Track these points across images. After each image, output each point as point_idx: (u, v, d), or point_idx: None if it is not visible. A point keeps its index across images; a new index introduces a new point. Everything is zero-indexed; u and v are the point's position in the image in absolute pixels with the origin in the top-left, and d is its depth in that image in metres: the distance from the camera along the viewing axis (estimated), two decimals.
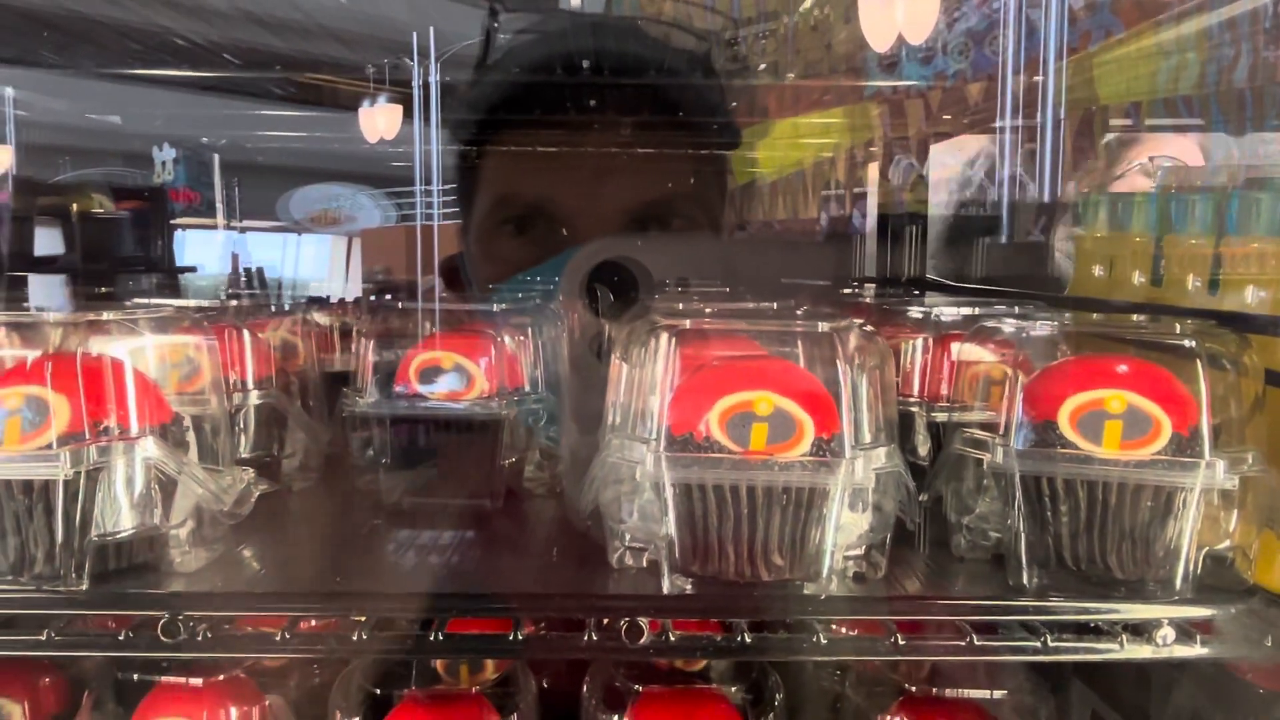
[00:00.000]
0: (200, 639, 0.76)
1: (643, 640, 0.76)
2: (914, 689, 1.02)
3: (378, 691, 0.98)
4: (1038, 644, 0.77)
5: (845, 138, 3.54)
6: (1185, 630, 0.77)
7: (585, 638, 0.78)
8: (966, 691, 1.00)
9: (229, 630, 0.79)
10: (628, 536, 0.85)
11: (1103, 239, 1.13)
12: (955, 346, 0.99)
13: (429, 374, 1.01)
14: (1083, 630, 0.78)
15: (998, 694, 0.99)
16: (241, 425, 1.05)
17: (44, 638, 0.77)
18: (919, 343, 1.03)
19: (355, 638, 0.77)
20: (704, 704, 0.98)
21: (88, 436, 0.80)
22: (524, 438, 1.04)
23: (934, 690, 1.01)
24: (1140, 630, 0.77)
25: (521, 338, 1.05)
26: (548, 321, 1.11)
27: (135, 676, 1.00)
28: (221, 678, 1.00)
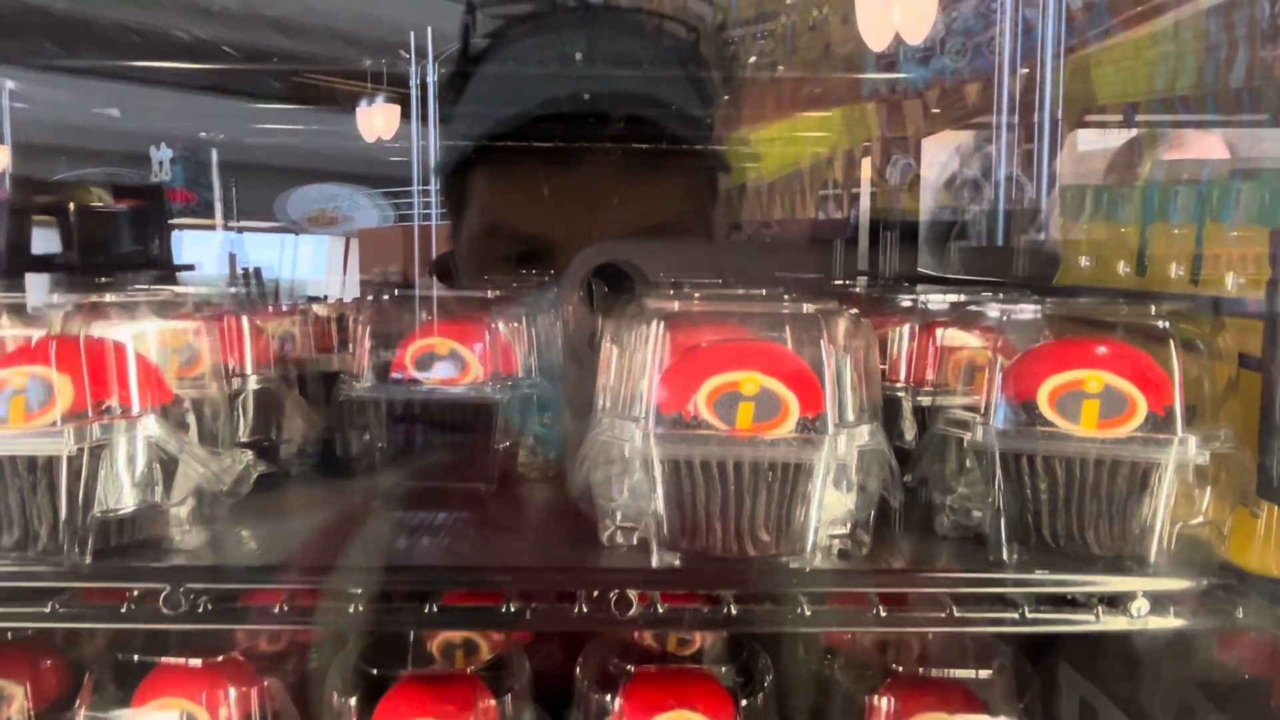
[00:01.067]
0: (201, 611, 0.78)
1: (631, 612, 0.78)
2: (901, 669, 1.04)
3: (374, 671, 1.00)
4: (1016, 615, 0.79)
5: (843, 138, 3.55)
6: (1159, 602, 0.79)
7: (576, 610, 0.80)
8: (953, 672, 1.02)
9: (229, 604, 0.81)
10: (618, 515, 0.87)
11: (1090, 230, 1.15)
12: (940, 332, 1.01)
13: (425, 360, 1.03)
14: (1060, 602, 0.80)
15: (984, 673, 1.01)
16: (240, 410, 1.07)
17: (48, 610, 0.79)
18: (905, 329, 1.05)
19: (352, 610, 0.79)
20: (695, 684, 1.00)
21: (90, 415, 0.82)
22: (518, 423, 1.06)
23: (921, 671, 1.03)
24: (1116, 602, 0.79)
25: (516, 325, 1.07)
26: (542, 310, 1.12)
27: (136, 658, 1.01)
28: (220, 659, 1.02)
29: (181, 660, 1.01)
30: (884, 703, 1.00)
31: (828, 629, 0.99)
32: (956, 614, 0.79)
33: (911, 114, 3.42)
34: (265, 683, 1.03)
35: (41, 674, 1.07)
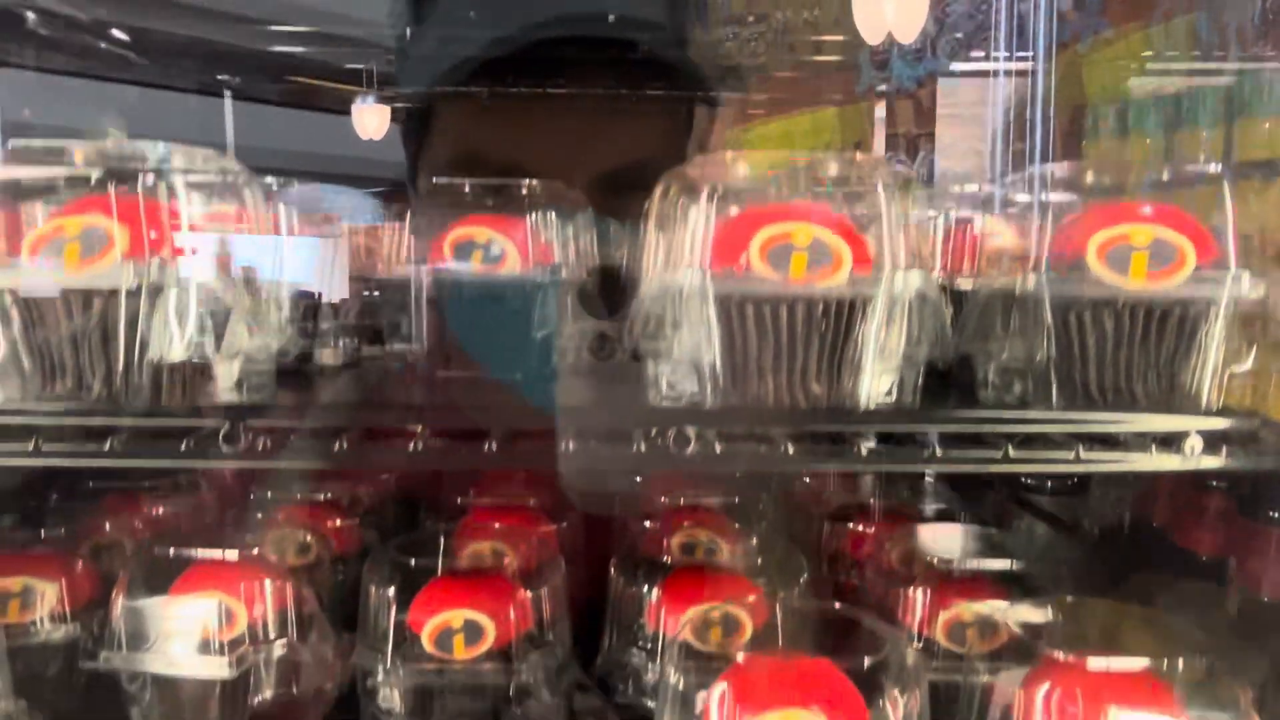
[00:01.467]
0: (260, 448, 0.78)
1: (689, 450, 0.78)
2: (935, 562, 1.05)
3: (412, 563, 0.99)
4: (1070, 455, 0.79)
5: (837, 137, 3.58)
6: (1212, 442, 0.79)
7: (634, 448, 0.80)
8: (984, 563, 1.03)
9: (288, 441, 0.81)
10: (664, 384, 0.86)
11: (1112, 146, 1.16)
12: (978, 219, 1.01)
13: (463, 249, 1.02)
14: (1114, 444, 0.80)
15: (1017, 566, 1.01)
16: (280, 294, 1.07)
17: (107, 447, 0.79)
18: (940, 221, 1.05)
19: (413, 448, 0.79)
20: (732, 582, 1.01)
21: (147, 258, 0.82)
22: (556, 312, 1.05)
23: (953, 566, 1.04)
24: (1169, 441, 0.80)
25: (553, 215, 1.06)
26: (579, 209, 1.11)
27: (171, 552, 1.01)
28: (255, 552, 1.02)
29: (217, 553, 1.01)
30: (917, 594, 1.01)
31: (882, 468, 0.99)
32: (1013, 454, 0.79)
33: (904, 113, 3.45)
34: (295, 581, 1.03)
35: (75, 576, 1.07)
